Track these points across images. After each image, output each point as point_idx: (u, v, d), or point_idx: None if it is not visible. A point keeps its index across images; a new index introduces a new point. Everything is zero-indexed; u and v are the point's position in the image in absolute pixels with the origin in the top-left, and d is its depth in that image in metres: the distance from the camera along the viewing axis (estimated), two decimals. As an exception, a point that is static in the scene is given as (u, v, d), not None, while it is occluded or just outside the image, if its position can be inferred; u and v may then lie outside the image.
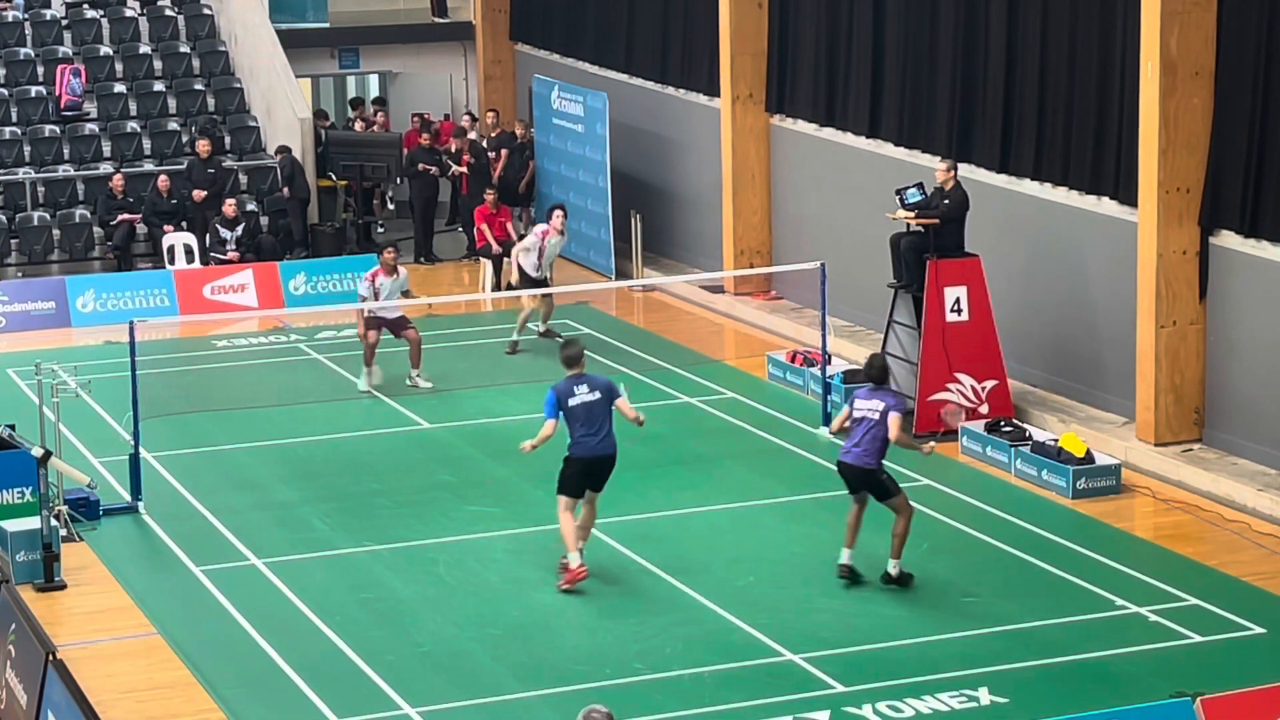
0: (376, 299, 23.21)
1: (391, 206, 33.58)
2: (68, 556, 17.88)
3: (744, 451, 20.96)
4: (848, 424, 17.05)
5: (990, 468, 20.29)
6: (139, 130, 31.62)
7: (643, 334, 26.24)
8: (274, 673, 15.50)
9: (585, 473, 17.14)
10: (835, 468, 17.22)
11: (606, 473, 17.27)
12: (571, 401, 17.08)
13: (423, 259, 30.76)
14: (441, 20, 35.83)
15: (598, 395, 17.12)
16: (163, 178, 29.60)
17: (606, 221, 29.35)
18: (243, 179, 30.91)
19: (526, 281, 25.00)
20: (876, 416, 16.80)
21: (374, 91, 36.85)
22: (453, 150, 31.52)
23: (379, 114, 33.59)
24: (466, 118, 33.20)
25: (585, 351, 17.69)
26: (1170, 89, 19.82)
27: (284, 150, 30.46)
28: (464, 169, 30.83)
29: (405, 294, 24.15)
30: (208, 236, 28.77)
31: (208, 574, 17.69)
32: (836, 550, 18.06)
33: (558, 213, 25.42)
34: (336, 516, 19.17)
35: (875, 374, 17.27)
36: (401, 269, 23.75)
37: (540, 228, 25.40)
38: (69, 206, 30.02)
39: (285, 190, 30.25)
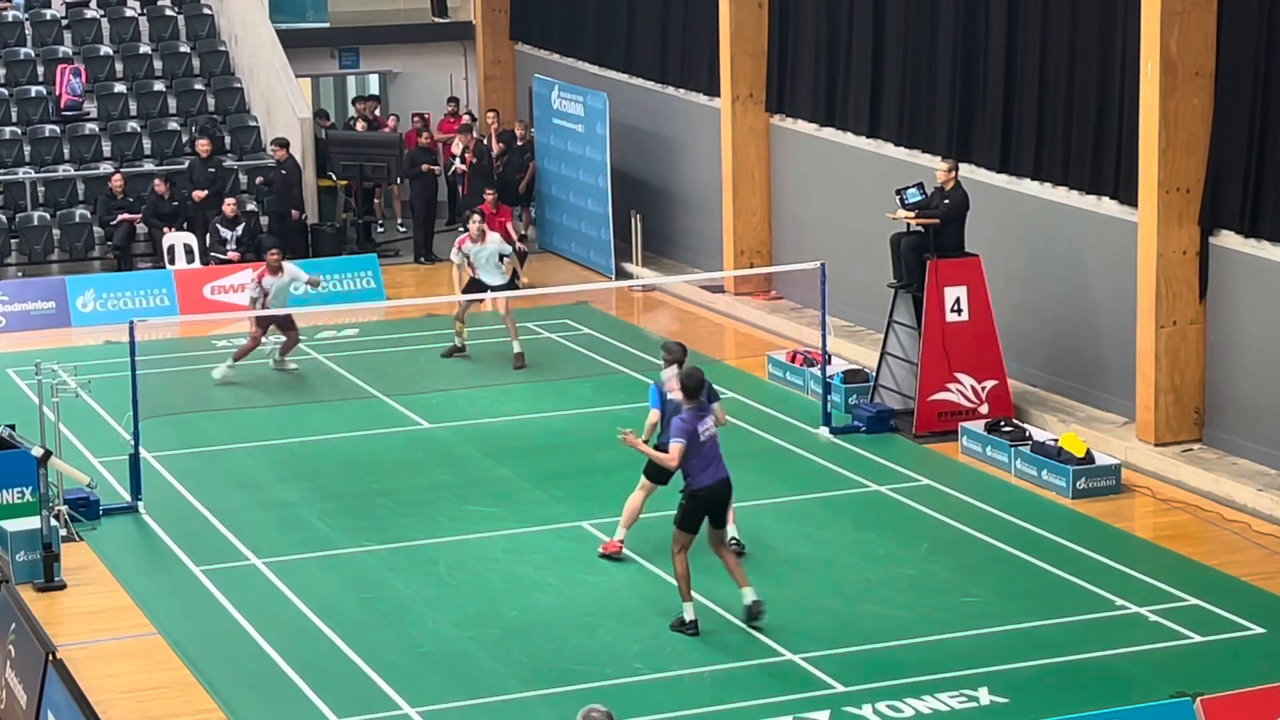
0: (267, 297, 23.45)
1: (401, 227, 33.56)
2: (68, 556, 17.89)
3: (744, 451, 20.94)
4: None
5: (990, 468, 20.29)
6: (139, 130, 31.62)
7: (643, 334, 26.23)
8: (274, 673, 15.51)
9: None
10: (694, 500, 15.97)
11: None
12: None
13: (422, 259, 30.75)
14: (441, 20, 35.83)
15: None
16: (158, 182, 29.53)
17: (606, 221, 29.35)
18: (242, 179, 30.89)
19: (476, 288, 24.35)
20: (715, 430, 16.18)
21: (374, 93, 36.84)
22: (456, 151, 31.59)
23: (380, 111, 33.61)
24: (465, 117, 33.20)
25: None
26: (1170, 89, 19.82)
27: (282, 144, 30.11)
28: (466, 168, 30.85)
29: (311, 284, 24.14)
30: (208, 236, 28.76)
31: (208, 574, 17.70)
32: (837, 550, 18.07)
33: (473, 218, 24.71)
34: (336, 516, 19.17)
35: (695, 386, 16.07)
36: (288, 265, 23.71)
37: (458, 239, 24.84)
38: (69, 206, 30.01)
39: (294, 214, 29.79)
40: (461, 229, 32.21)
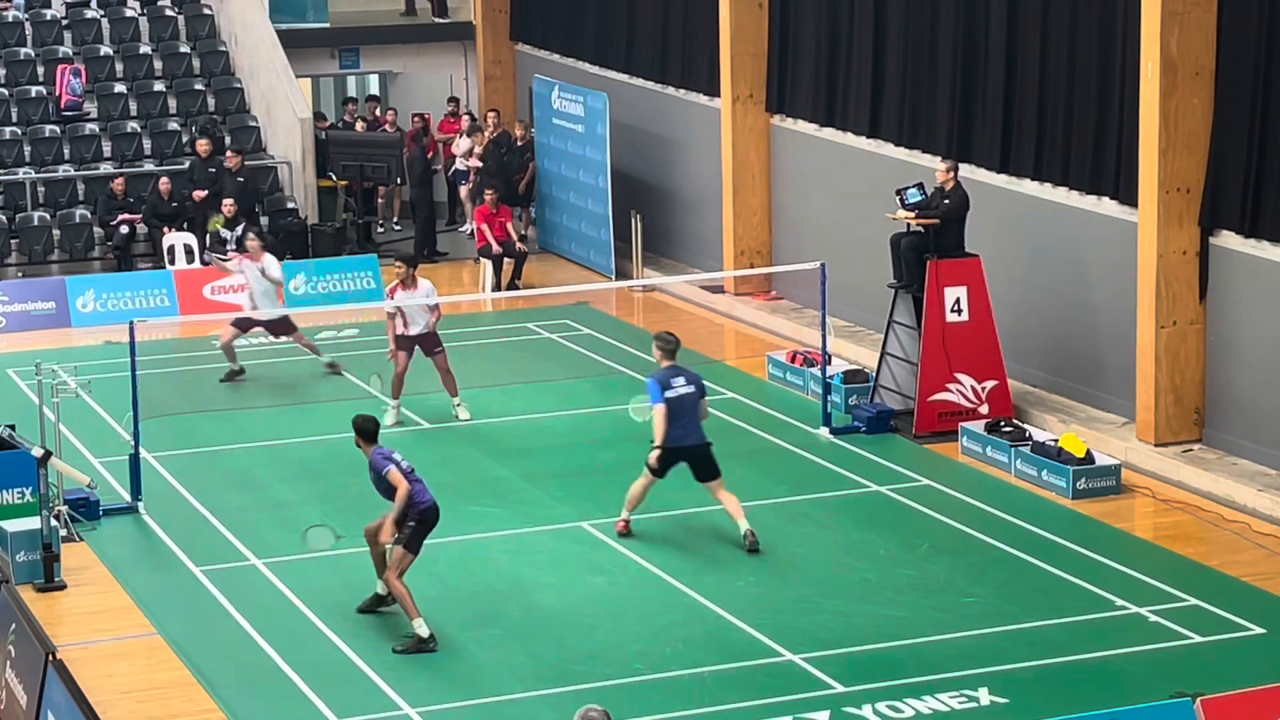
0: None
1: (397, 226, 33.54)
2: (68, 556, 17.88)
3: (744, 451, 20.95)
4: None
5: (990, 468, 20.29)
6: (139, 130, 31.63)
7: (643, 334, 26.23)
8: (274, 673, 15.51)
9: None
10: (422, 522, 15.99)
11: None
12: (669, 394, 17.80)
13: (425, 253, 30.68)
14: (441, 20, 35.84)
15: (692, 389, 17.99)
16: (164, 180, 29.56)
17: (606, 221, 29.35)
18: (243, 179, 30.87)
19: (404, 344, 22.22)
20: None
21: (374, 93, 36.82)
22: (457, 151, 31.62)
23: (380, 110, 33.61)
24: (466, 117, 33.18)
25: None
26: (1170, 89, 19.82)
27: (236, 151, 29.76)
28: (471, 169, 30.93)
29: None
30: (208, 237, 28.75)
31: (208, 574, 17.70)
32: (837, 550, 18.07)
33: (398, 265, 22.07)
34: (336, 516, 19.15)
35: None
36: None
37: (389, 288, 22.79)
38: (69, 206, 30.02)
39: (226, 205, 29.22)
40: (462, 229, 32.46)
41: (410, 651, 15.73)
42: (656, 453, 17.82)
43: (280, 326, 23.88)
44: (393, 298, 22.15)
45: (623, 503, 18.55)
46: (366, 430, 16.28)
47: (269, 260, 23.74)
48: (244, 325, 23.79)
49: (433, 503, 16.08)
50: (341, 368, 24.09)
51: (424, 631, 15.81)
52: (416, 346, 22.09)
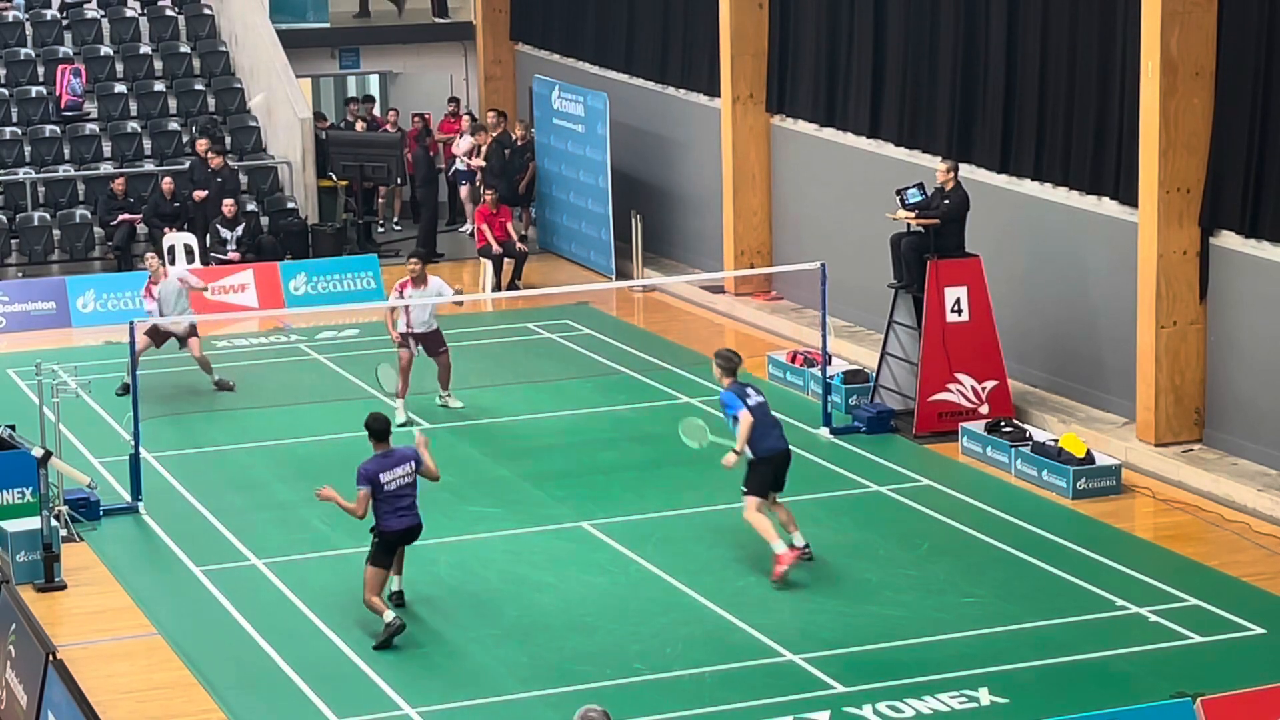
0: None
1: (397, 226, 33.54)
2: (68, 556, 17.88)
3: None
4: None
5: (990, 468, 20.29)
6: (139, 130, 31.62)
7: (643, 334, 26.23)
8: (274, 673, 15.51)
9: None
10: (384, 539, 16.13)
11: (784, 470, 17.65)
12: (750, 403, 17.22)
13: (425, 251, 30.68)
14: (441, 20, 35.84)
15: (763, 399, 17.47)
16: (166, 180, 29.56)
17: (606, 221, 29.35)
18: (243, 179, 30.88)
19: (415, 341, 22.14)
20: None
21: (370, 93, 36.84)
22: (457, 151, 31.64)
23: (381, 111, 33.58)
24: (466, 117, 33.19)
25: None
26: (1170, 89, 19.83)
27: (218, 151, 29.71)
28: (475, 168, 30.98)
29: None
30: (208, 237, 28.75)
31: (208, 574, 17.70)
32: (837, 550, 18.07)
33: (411, 261, 21.91)
34: (336, 516, 19.13)
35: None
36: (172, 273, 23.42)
37: (399, 283, 22.20)
38: (69, 206, 30.02)
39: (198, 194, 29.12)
40: (462, 229, 32.46)
41: (386, 639, 15.80)
42: (733, 457, 17.20)
43: (187, 335, 23.45)
44: (401, 293, 21.94)
45: (623, 503, 18.55)
46: (372, 429, 16.27)
47: (175, 274, 23.42)
48: (157, 337, 23.14)
49: (399, 529, 16.06)
50: (231, 383, 23.56)
51: (389, 617, 15.89)
52: (420, 346, 22.12)
